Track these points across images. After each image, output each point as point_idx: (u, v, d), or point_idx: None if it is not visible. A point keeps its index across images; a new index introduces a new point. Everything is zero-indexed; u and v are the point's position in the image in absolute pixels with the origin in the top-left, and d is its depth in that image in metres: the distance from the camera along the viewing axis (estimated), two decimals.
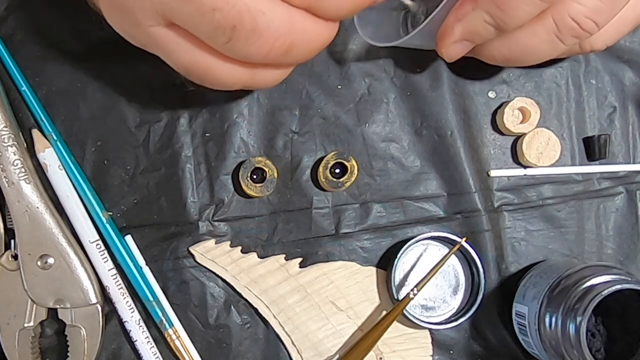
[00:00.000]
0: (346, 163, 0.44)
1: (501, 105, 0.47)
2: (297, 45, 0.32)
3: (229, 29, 0.30)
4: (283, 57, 0.32)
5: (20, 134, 0.43)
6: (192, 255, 0.44)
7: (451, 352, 0.46)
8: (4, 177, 0.41)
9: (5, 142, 0.41)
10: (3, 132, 0.42)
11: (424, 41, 0.39)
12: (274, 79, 0.36)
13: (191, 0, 0.30)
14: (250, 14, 0.30)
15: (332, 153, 0.44)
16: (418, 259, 0.46)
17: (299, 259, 0.45)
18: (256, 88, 0.43)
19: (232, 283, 0.44)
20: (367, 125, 0.46)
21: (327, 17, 0.32)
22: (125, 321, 0.43)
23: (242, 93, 0.45)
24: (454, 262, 0.46)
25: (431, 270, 0.43)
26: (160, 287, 0.44)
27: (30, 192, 0.42)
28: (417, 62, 0.46)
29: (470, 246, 0.44)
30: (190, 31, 0.32)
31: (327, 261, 0.45)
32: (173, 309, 0.44)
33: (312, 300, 0.45)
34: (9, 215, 0.42)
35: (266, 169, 0.43)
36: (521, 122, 0.46)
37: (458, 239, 0.44)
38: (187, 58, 0.33)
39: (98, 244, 0.43)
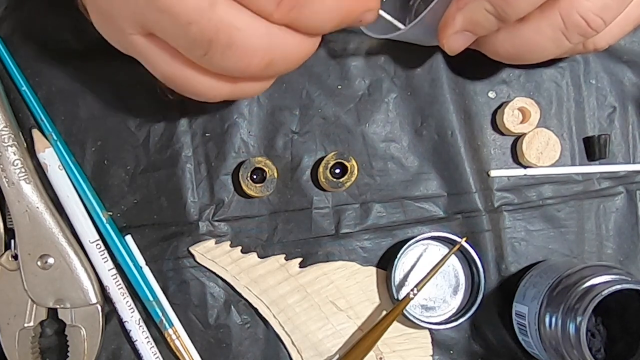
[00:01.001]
0: (346, 163, 0.44)
1: (501, 105, 0.47)
2: (276, 60, 0.31)
3: (205, 43, 0.30)
4: (263, 72, 0.32)
5: (20, 134, 0.43)
6: (192, 255, 0.44)
7: (451, 352, 0.46)
8: (4, 177, 0.41)
9: (5, 142, 0.41)
10: (3, 132, 0.42)
11: (424, 34, 0.39)
12: (255, 90, 0.35)
13: (167, 12, 0.29)
14: (226, 29, 0.29)
15: (332, 153, 0.44)
16: (418, 259, 0.46)
17: (299, 259, 0.45)
18: (237, 99, 0.42)
19: (232, 283, 0.44)
20: (367, 125, 0.46)
21: (308, 33, 0.31)
22: (125, 321, 0.43)
23: None
24: (454, 262, 0.46)
25: (431, 270, 0.43)
26: (160, 287, 0.44)
27: (30, 192, 0.42)
28: (417, 62, 0.46)
29: (470, 246, 0.44)
30: (169, 42, 0.31)
31: (327, 261, 0.45)
32: (173, 309, 0.44)
33: (312, 300, 0.45)
34: (9, 215, 0.42)
35: (266, 169, 0.43)
36: (521, 122, 0.46)
37: (458, 239, 0.44)
38: (167, 68, 0.33)
39: (98, 244, 0.43)
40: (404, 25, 0.39)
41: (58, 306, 0.42)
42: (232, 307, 0.45)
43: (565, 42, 0.36)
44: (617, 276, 0.40)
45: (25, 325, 0.42)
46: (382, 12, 0.36)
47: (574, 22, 0.35)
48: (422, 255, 0.46)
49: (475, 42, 0.39)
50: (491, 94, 0.47)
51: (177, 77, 0.33)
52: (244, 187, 0.43)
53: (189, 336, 0.44)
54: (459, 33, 0.37)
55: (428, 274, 0.43)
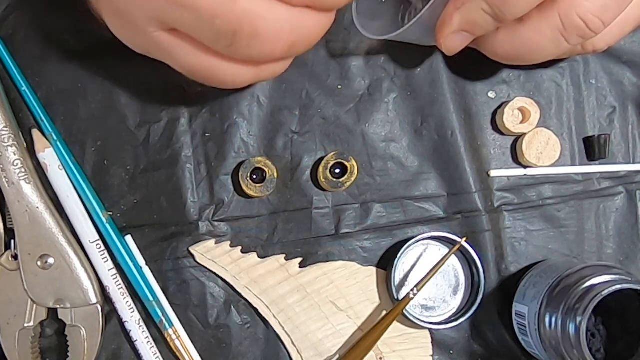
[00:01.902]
0: (346, 163, 0.44)
1: (501, 105, 0.47)
2: (299, 41, 0.32)
3: (230, 34, 0.30)
4: (286, 53, 0.32)
5: (20, 134, 0.43)
6: (192, 255, 0.44)
7: (451, 352, 0.46)
8: (4, 177, 0.41)
9: (5, 142, 0.41)
10: (3, 132, 0.42)
11: (422, 34, 0.39)
12: (278, 70, 0.36)
13: (190, 8, 0.29)
14: (249, 19, 0.30)
15: (332, 153, 0.44)
16: (418, 259, 0.46)
17: (299, 259, 0.45)
18: (262, 81, 0.43)
19: (232, 283, 0.44)
20: (367, 125, 0.46)
21: (326, 9, 0.32)
22: (125, 321, 0.43)
23: (243, 92, 0.45)
24: (454, 262, 0.46)
25: (431, 270, 0.43)
26: (160, 287, 0.44)
27: (30, 192, 0.42)
28: (417, 62, 0.46)
29: (470, 246, 0.44)
30: (192, 36, 0.32)
31: (327, 261, 0.45)
32: (173, 309, 0.44)
33: (312, 300, 0.45)
34: (9, 215, 0.42)
35: (266, 169, 0.43)
36: (521, 122, 0.46)
37: (458, 239, 0.44)
38: (191, 61, 0.33)
39: (98, 244, 0.43)
40: (402, 20, 0.39)
41: (58, 306, 0.42)
42: (232, 307, 0.45)
43: (564, 43, 0.36)
44: (617, 276, 0.40)
45: (25, 325, 0.42)
46: None
47: (572, 23, 0.35)
48: (422, 255, 0.46)
49: (474, 42, 0.38)
50: (491, 94, 0.47)
51: (203, 68, 0.34)
52: (244, 187, 0.43)
53: (189, 336, 0.44)
54: (456, 33, 0.37)
55: (428, 274, 0.43)
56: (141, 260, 0.44)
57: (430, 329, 0.45)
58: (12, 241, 0.42)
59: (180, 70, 0.35)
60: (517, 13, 0.35)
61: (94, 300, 0.42)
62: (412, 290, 0.43)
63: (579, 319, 0.38)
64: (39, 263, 0.42)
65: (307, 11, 0.31)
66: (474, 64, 0.44)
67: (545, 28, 0.36)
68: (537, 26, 0.36)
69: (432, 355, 0.46)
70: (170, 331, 0.44)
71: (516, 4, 0.34)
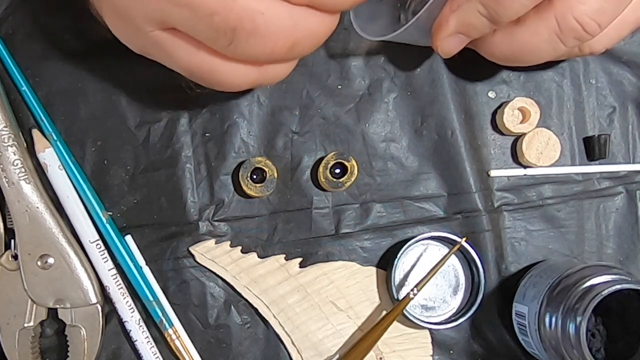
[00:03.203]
0: (346, 163, 0.44)
1: (501, 105, 0.47)
2: (301, 40, 0.32)
3: (229, 32, 0.30)
4: (288, 54, 0.32)
5: (20, 134, 0.43)
6: (192, 255, 0.44)
7: (451, 352, 0.46)
8: (4, 177, 0.41)
9: (5, 142, 0.41)
10: (3, 132, 0.42)
11: (419, 35, 0.39)
12: (280, 73, 0.35)
13: (188, 5, 0.29)
14: (249, 15, 0.30)
15: (332, 153, 0.44)
16: (418, 259, 0.46)
17: (299, 259, 0.45)
18: (263, 85, 0.42)
19: (232, 283, 0.44)
20: (367, 125, 0.46)
21: (328, 11, 0.32)
22: (125, 321, 0.43)
23: (243, 93, 0.45)
24: (454, 262, 0.46)
25: (431, 270, 0.43)
26: (160, 287, 0.44)
27: (30, 192, 0.42)
28: (417, 62, 0.46)
29: (470, 246, 0.44)
30: (191, 35, 0.31)
31: (327, 261, 0.45)
32: (173, 309, 0.44)
33: (312, 300, 0.45)
34: (9, 215, 0.42)
35: (266, 169, 0.43)
36: (521, 122, 0.46)
37: (458, 239, 0.44)
38: (191, 60, 0.33)
39: (98, 244, 0.43)
40: (400, 21, 0.39)
41: (58, 306, 0.42)
42: (232, 307, 0.45)
43: (561, 46, 0.36)
44: (617, 276, 0.40)
45: (25, 325, 0.42)
46: None
47: (569, 25, 0.35)
48: (422, 255, 0.46)
49: (472, 43, 0.39)
50: (491, 94, 0.47)
51: (203, 68, 0.33)
52: (244, 187, 0.43)
53: (189, 336, 0.44)
54: (452, 36, 0.37)
55: (428, 274, 0.43)
56: (141, 260, 0.44)
57: (430, 329, 0.45)
58: (12, 241, 0.42)
59: (180, 71, 0.34)
60: (513, 15, 0.35)
61: (94, 300, 0.42)
62: (412, 290, 0.43)
63: (579, 319, 0.38)
64: (39, 263, 0.42)
65: (309, 10, 0.31)
66: (474, 64, 0.44)
67: (542, 30, 0.36)
68: (534, 28, 0.36)
69: (432, 355, 0.46)
70: (170, 331, 0.44)
71: (512, 5, 0.34)
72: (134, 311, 0.43)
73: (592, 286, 0.39)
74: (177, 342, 0.44)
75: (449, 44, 0.38)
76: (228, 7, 0.29)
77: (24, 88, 0.43)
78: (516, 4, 0.34)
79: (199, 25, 0.30)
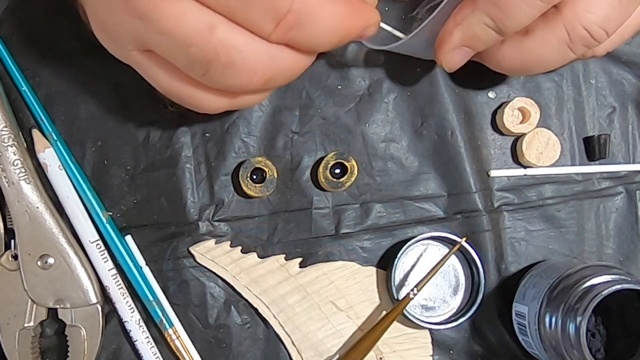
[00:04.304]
0: (346, 163, 0.44)
1: (501, 105, 0.47)
2: (276, 75, 0.32)
3: (205, 63, 0.30)
4: (262, 87, 0.32)
5: (20, 134, 0.43)
6: (192, 255, 0.44)
7: (451, 352, 0.46)
8: (4, 177, 0.41)
9: (5, 142, 0.41)
10: (3, 132, 0.42)
11: (423, 47, 0.38)
12: (253, 101, 0.36)
13: (167, 35, 0.29)
14: (226, 50, 0.30)
15: (332, 153, 0.44)
16: (418, 259, 0.46)
17: (299, 259, 0.45)
18: (237, 109, 0.42)
19: (232, 283, 0.44)
20: (367, 125, 0.46)
21: (306, 51, 0.32)
22: (125, 321, 0.43)
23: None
24: (454, 262, 0.46)
25: (431, 270, 0.43)
26: (160, 287, 0.44)
27: (30, 192, 0.42)
28: (417, 62, 0.46)
29: (470, 246, 0.44)
30: (168, 60, 0.32)
31: (327, 261, 0.45)
32: (173, 309, 0.44)
33: (312, 300, 0.45)
34: (9, 215, 0.42)
35: (266, 169, 0.43)
36: (521, 122, 0.46)
37: (458, 239, 0.44)
38: (166, 83, 0.33)
39: (98, 244, 0.43)
40: (404, 36, 0.38)
41: (58, 306, 0.42)
42: (232, 307, 0.45)
43: (570, 54, 0.36)
44: (617, 276, 0.40)
45: (25, 325, 0.42)
46: (382, 25, 0.35)
47: (578, 34, 0.35)
48: (422, 255, 0.46)
49: (477, 56, 0.38)
50: (491, 94, 0.47)
51: (177, 91, 0.34)
52: (244, 187, 0.43)
53: (189, 336, 0.44)
54: (457, 49, 0.37)
55: (428, 274, 0.43)
56: (141, 260, 0.44)
57: (430, 329, 0.45)
58: (12, 241, 0.42)
59: (158, 89, 0.34)
60: (520, 25, 0.34)
61: (94, 300, 0.42)
62: (412, 290, 0.43)
63: (579, 319, 0.38)
64: (39, 263, 0.42)
65: (285, 49, 0.31)
66: (474, 64, 0.44)
67: (551, 40, 0.36)
68: (543, 38, 0.36)
69: (432, 355, 0.46)
70: (170, 331, 0.44)
71: (518, 15, 0.34)
72: (134, 311, 0.43)
73: (592, 286, 0.39)
74: (177, 342, 0.44)
75: (453, 57, 0.37)
76: (205, 40, 0.29)
77: (24, 88, 0.43)
78: (523, 13, 0.34)
79: (176, 54, 0.30)
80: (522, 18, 0.34)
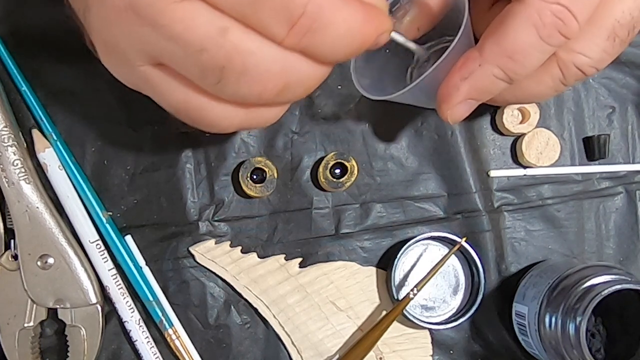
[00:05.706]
0: (346, 163, 0.44)
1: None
2: (291, 85, 0.31)
3: (217, 70, 0.29)
4: (277, 97, 0.31)
5: (20, 134, 0.43)
6: (192, 255, 0.44)
7: (451, 352, 0.46)
8: (4, 177, 0.41)
9: (5, 142, 0.41)
10: (3, 132, 0.42)
11: (424, 97, 0.37)
12: (268, 118, 0.34)
13: (177, 40, 0.28)
14: (239, 54, 0.29)
15: (332, 153, 0.44)
16: (418, 259, 0.46)
17: (299, 259, 0.45)
18: (252, 128, 0.41)
19: (232, 283, 0.44)
20: (367, 125, 0.46)
21: (321, 61, 0.31)
22: (125, 321, 0.43)
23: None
24: (454, 262, 0.46)
25: (431, 270, 0.43)
26: (160, 287, 0.44)
27: (30, 192, 0.42)
28: None
29: (470, 246, 0.44)
30: (180, 72, 0.31)
31: (327, 261, 0.45)
32: (173, 309, 0.44)
33: (312, 300, 0.45)
34: (9, 215, 0.42)
35: (266, 169, 0.43)
36: (521, 122, 0.46)
37: (458, 239, 0.44)
38: (177, 98, 0.32)
39: (98, 244, 0.43)
40: (417, 45, 0.37)
41: (58, 306, 0.42)
42: (232, 307, 0.45)
43: (563, 88, 0.37)
44: (617, 276, 0.40)
45: (25, 325, 0.42)
46: (394, 34, 0.34)
47: (572, 73, 0.35)
48: (422, 255, 0.46)
49: None
50: None
51: (189, 107, 0.32)
52: (244, 187, 0.43)
53: (189, 336, 0.44)
54: (462, 102, 0.36)
55: (428, 274, 0.43)
56: (141, 260, 0.44)
57: (430, 329, 0.45)
58: (12, 241, 0.42)
59: (166, 108, 0.33)
60: (531, 72, 0.34)
61: (94, 300, 0.42)
62: (412, 290, 0.43)
63: (579, 319, 0.38)
64: (39, 263, 0.42)
65: (301, 57, 0.30)
66: None
67: (546, 79, 0.36)
68: (539, 78, 0.36)
69: (432, 355, 0.46)
70: (170, 331, 0.44)
71: (530, 62, 0.33)
72: (134, 311, 0.43)
73: (592, 286, 0.39)
74: (177, 342, 0.44)
75: (459, 111, 0.36)
76: (217, 45, 0.28)
77: (24, 88, 0.43)
78: (535, 60, 0.33)
79: (187, 62, 0.29)
80: (535, 65, 0.34)
